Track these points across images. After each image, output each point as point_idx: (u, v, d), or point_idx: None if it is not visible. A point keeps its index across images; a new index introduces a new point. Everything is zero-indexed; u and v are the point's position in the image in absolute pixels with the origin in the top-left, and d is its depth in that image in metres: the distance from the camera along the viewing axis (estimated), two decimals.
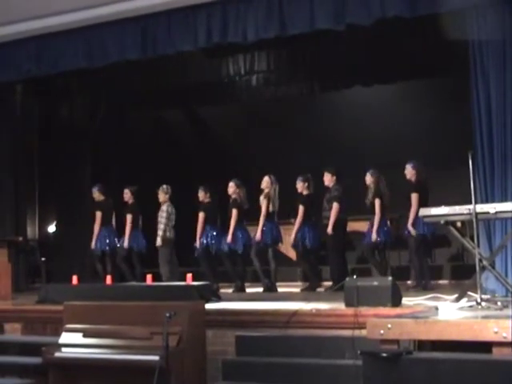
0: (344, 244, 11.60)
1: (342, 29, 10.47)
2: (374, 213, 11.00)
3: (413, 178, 10.75)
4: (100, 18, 11.15)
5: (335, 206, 11.19)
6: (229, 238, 11.66)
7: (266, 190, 11.71)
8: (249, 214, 12.11)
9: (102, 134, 15.66)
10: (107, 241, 12.61)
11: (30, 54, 11.87)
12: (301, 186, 11.62)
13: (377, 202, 10.96)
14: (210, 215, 12.03)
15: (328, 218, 11.21)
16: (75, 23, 11.31)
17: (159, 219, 12.12)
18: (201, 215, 11.97)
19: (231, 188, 11.87)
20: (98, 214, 12.68)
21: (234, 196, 11.86)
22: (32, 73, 12.03)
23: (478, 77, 9.33)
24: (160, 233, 12.05)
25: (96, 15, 11.12)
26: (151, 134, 16.66)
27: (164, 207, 12.18)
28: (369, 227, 11.10)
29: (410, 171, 10.78)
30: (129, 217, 12.45)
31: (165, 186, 12.31)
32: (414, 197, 10.46)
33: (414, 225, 10.43)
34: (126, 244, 12.33)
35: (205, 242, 11.90)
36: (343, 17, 9.90)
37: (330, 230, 11.12)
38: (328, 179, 11.44)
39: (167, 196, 12.26)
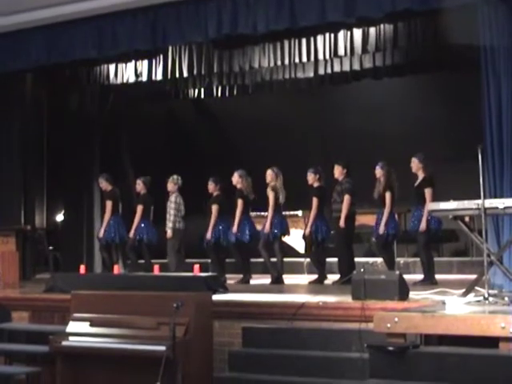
0: (352, 237, 11.57)
1: (352, 21, 10.55)
2: (383, 206, 10.95)
3: (419, 172, 10.69)
4: (110, 8, 11.17)
5: (347, 198, 11.07)
6: (234, 229, 11.65)
7: (272, 183, 11.69)
8: (255, 206, 12.11)
9: (110, 124, 15.68)
10: (114, 230, 12.58)
11: (40, 44, 11.88)
12: (312, 178, 11.55)
13: (387, 195, 10.88)
14: (222, 207, 12.03)
15: (339, 211, 11.12)
16: (85, 12, 11.33)
17: (168, 210, 12.05)
18: (214, 208, 11.93)
19: (235, 178, 11.86)
20: (109, 204, 12.59)
21: (239, 186, 11.84)
22: (41, 62, 12.05)
23: (488, 73, 9.30)
24: (170, 224, 11.99)
25: (106, 5, 11.13)
26: (160, 125, 16.67)
27: (172, 198, 12.13)
28: (377, 221, 11.07)
29: (416, 164, 10.68)
30: (139, 207, 12.34)
31: (175, 177, 12.24)
32: (428, 192, 10.38)
33: (427, 220, 10.39)
34: (131, 234, 12.24)
35: (216, 234, 11.90)
36: (354, 9, 9.90)
37: (342, 223, 11.03)
38: (339, 172, 11.37)
39: (176, 186, 12.18)
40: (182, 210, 12.15)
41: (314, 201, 11.47)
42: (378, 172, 11.05)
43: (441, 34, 11.32)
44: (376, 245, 11.10)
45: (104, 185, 12.81)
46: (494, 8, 9.24)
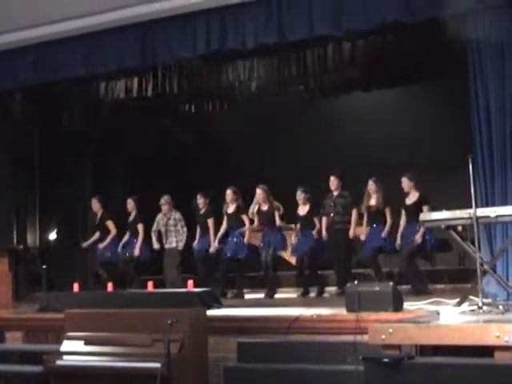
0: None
1: (340, 34, 10.52)
2: (371, 219, 11.17)
3: (412, 190, 10.80)
4: (99, 26, 11.20)
5: (355, 211, 11.37)
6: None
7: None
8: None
9: (101, 141, 15.67)
10: (112, 249, 12.87)
11: (28, 63, 11.92)
12: (302, 198, 11.75)
13: (387, 209, 11.09)
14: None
15: (344, 223, 11.38)
16: (73, 31, 11.36)
17: (179, 229, 12.49)
18: (210, 221, 12.18)
19: (229, 196, 11.99)
20: (110, 223, 12.98)
21: (235, 203, 12.02)
22: (30, 81, 12.07)
23: (477, 80, 9.35)
24: (182, 238, 12.40)
25: (95, 23, 11.16)
26: (152, 141, 16.66)
27: (178, 215, 12.52)
28: (369, 233, 11.12)
29: (407, 183, 10.85)
30: (140, 226, 12.74)
31: (166, 197, 12.64)
32: (426, 209, 10.36)
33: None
34: (137, 252, 12.59)
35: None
36: (342, 22, 9.95)
37: (351, 233, 11.33)
38: (336, 183, 11.51)
39: (171, 205, 12.58)
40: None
41: (297, 226, 11.76)
42: (372, 187, 11.15)
43: (429, 44, 11.36)
44: (371, 256, 11.14)
45: (97, 206, 12.94)
46: (482, 18, 9.28)
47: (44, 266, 14.49)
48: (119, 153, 16.32)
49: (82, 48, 11.52)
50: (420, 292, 10.33)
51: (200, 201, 12.34)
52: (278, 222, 11.82)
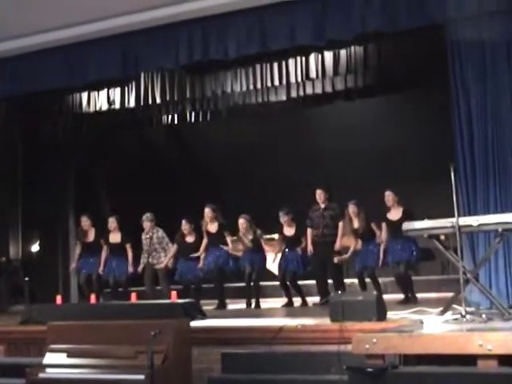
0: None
1: (322, 44, 10.55)
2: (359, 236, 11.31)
3: (395, 205, 10.84)
4: (80, 37, 11.17)
5: (342, 224, 11.37)
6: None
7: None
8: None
9: (84, 152, 15.63)
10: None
11: (9, 75, 11.85)
12: (286, 221, 11.83)
13: (373, 224, 11.18)
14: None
15: (332, 235, 11.38)
16: (54, 42, 11.33)
17: (164, 245, 12.40)
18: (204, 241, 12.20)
19: (208, 214, 12.04)
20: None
21: (216, 222, 12.06)
22: (11, 93, 12.01)
23: (458, 89, 9.38)
24: (170, 254, 12.30)
25: (76, 34, 11.13)
26: (134, 152, 16.64)
27: (160, 233, 12.41)
28: (361, 250, 11.26)
29: (392, 198, 10.87)
30: (128, 245, 12.60)
31: (148, 215, 12.49)
32: None
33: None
34: (130, 269, 12.50)
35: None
36: (324, 32, 9.99)
37: (338, 245, 11.38)
38: (323, 196, 11.52)
39: (153, 223, 12.47)
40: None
41: (283, 247, 11.89)
42: (353, 211, 11.20)
43: (410, 53, 11.41)
44: (370, 272, 11.22)
45: (87, 224, 12.90)
46: (462, 25, 9.33)
47: (26, 278, 14.45)
48: (102, 165, 16.27)
49: (63, 59, 11.48)
50: (410, 301, 10.42)
51: (185, 227, 12.27)
52: (264, 246, 11.99)
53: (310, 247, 11.52)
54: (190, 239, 12.26)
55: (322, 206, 11.56)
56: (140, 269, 12.39)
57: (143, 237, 12.43)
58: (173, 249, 12.30)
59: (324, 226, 11.45)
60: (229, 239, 12.00)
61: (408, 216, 10.18)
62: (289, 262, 11.73)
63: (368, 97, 13.88)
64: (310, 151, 15.22)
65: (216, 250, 11.96)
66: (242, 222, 11.91)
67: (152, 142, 16.97)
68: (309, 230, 11.60)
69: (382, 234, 10.93)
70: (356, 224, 11.30)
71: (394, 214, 10.81)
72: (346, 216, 11.34)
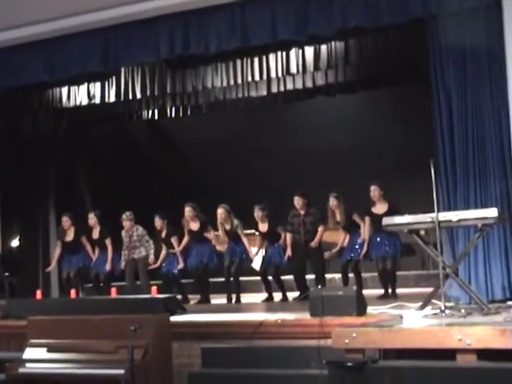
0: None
1: (304, 39, 10.56)
2: (345, 229, 11.31)
3: (381, 199, 10.81)
4: (60, 31, 11.12)
5: (321, 228, 11.33)
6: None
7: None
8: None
9: (64, 147, 15.54)
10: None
11: None
12: (260, 216, 11.79)
13: (355, 215, 11.15)
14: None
15: (312, 240, 11.32)
16: (35, 36, 11.27)
17: (144, 243, 12.35)
18: (174, 239, 12.22)
19: (189, 213, 12.00)
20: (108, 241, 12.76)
21: (196, 220, 12.03)
22: None
23: (438, 86, 9.41)
24: (152, 251, 12.29)
25: (56, 28, 11.08)
26: (115, 147, 16.59)
27: (139, 231, 12.36)
28: (347, 244, 11.25)
29: (378, 192, 10.79)
30: (108, 241, 12.56)
31: (128, 213, 12.41)
32: None
33: None
34: (108, 266, 12.43)
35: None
36: (305, 27, 9.98)
37: (315, 243, 11.31)
38: (302, 203, 11.46)
39: (133, 222, 12.40)
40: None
41: (265, 243, 11.91)
42: (333, 203, 11.20)
43: (391, 49, 11.44)
44: (354, 266, 11.22)
45: (67, 224, 12.83)
46: (443, 22, 9.37)
47: (6, 274, 14.35)
48: (82, 159, 16.20)
49: (44, 53, 11.43)
50: (390, 296, 10.48)
51: (158, 223, 12.30)
52: (243, 238, 11.90)
53: (289, 252, 11.49)
54: (163, 234, 12.31)
55: (302, 212, 11.45)
56: (123, 266, 12.35)
57: (123, 234, 12.37)
58: (152, 245, 12.36)
59: (306, 232, 11.41)
60: (213, 234, 11.97)
61: (394, 211, 10.13)
62: (271, 256, 11.73)
63: (349, 92, 13.89)
64: (290, 146, 15.23)
65: (200, 246, 11.95)
66: (220, 211, 11.84)
67: (133, 136, 16.92)
68: (288, 235, 11.56)
69: (365, 228, 10.91)
70: (338, 217, 11.29)
71: (379, 209, 10.76)
72: (329, 210, 11.31)
